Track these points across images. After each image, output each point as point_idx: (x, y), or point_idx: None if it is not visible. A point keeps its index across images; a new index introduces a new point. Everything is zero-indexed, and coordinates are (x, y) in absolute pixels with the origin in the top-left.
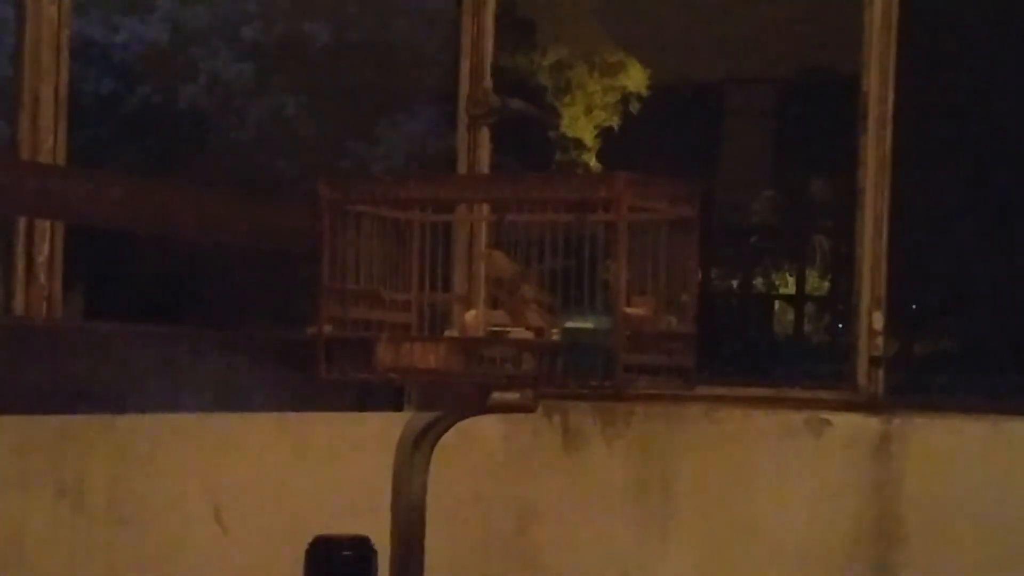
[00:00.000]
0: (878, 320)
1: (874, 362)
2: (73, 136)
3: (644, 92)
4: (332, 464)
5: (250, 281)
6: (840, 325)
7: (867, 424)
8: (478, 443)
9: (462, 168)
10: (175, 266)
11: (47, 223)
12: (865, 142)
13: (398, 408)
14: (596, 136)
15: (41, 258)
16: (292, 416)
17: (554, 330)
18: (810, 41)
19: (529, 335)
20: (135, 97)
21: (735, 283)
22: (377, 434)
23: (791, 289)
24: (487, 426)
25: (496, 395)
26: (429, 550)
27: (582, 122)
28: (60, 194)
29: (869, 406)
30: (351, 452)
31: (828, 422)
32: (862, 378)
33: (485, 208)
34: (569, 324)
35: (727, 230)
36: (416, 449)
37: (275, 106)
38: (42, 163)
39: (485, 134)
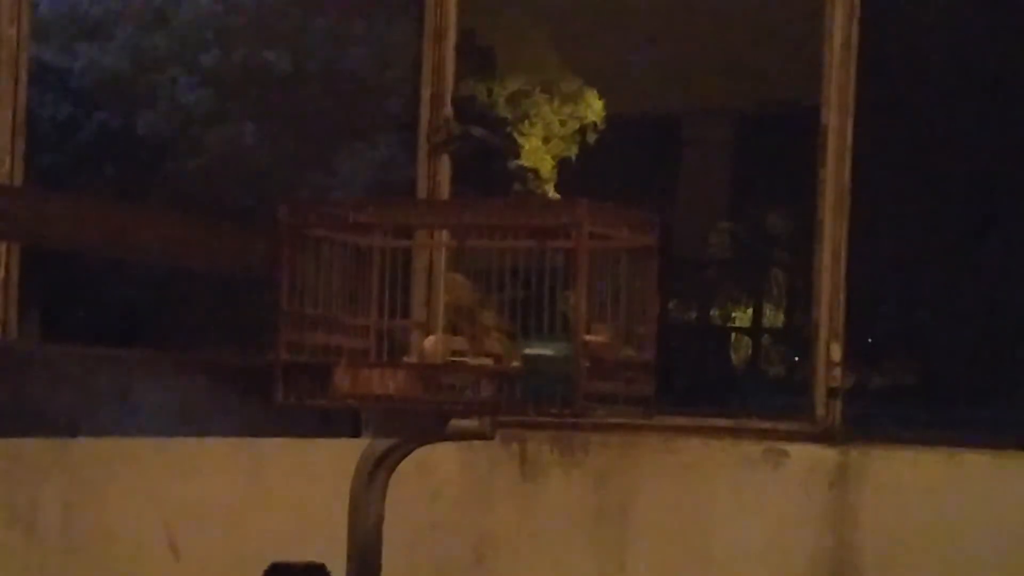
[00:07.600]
0: (836, 351)
1: (832, 393)
2: (30, 161)
3: (601, 122)
4: (288, 490)
5: (208, 305)
6: (796, 359)
7: (825, 455)
8: (435, 471)
9: (422, 196)
10: (133, 289)
11: (2, 247)
12: (824, 175)
13: (356, 434)
14: (554, 167)
15: None
16: (248, 441)
17: (513, 357)
18: (769, 74)
19: (488, 362)
20: (93, 123)
21: (692, 315)
22: (334, 460)
23: (748, 321)
24: (444, 454)
25: (454, 422)
26: None
27: (540, 152)
28: (15, 214)
29: (827, 437)
30: (308, 478)
31: (786, 453)
32: (820, 409)
33: (445, 234)
34: (528, 351)
35: (684, 262)
36: (373, 476)
37: (234, 134)
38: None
39: (445, 163)
